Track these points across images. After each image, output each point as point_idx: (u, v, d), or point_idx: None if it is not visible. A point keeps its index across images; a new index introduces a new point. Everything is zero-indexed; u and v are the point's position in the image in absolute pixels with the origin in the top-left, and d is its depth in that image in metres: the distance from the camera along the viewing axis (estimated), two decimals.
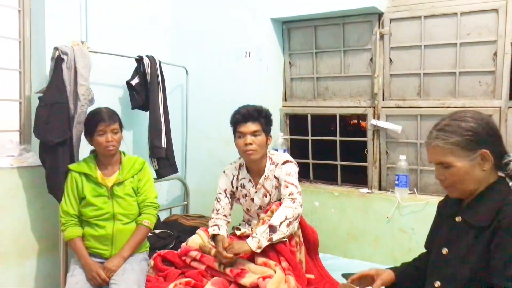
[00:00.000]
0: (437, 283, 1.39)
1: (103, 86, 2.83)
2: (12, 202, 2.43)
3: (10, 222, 2.42)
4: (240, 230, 2.38)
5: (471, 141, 1.32)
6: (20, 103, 2.61)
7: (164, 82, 2.99)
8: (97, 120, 2.23)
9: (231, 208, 2.40)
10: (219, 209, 2.34)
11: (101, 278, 2.12)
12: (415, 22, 2.72)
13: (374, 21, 2.82)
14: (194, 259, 2.19)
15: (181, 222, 2.94)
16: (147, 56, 2.90)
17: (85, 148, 2.44)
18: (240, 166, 2.38)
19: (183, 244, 2.32)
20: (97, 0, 2.79)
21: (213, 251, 2.15)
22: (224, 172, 2.41)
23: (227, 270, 2.04)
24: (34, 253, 2.54)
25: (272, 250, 2.06)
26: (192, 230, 2.54)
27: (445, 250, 1.41)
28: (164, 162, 2.93)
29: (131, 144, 3.10)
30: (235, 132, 2.28)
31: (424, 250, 1.67)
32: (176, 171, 3.05)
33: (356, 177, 3.06)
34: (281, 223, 2.05)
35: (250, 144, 2.20)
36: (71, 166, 2.30)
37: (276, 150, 2.89)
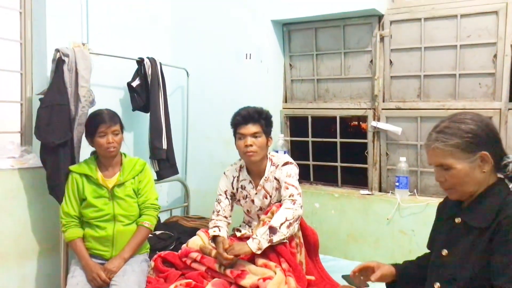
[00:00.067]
0: (437, 285, 1.40)
1: (104, 87, 2.84)
2: (13, 203, 2.43)
3: (11, 223, 2.42)
4: (240, 231, 2.38)
5: (470, 143, 1.32)
6: (21, 104, 2.62)
7: (164, 83, 3.00)
8: (98, 122, 2.24)
9: (231, 210, 2.40)
10: (219, 210, 2.35)
11: (102, 279, 2.12)
12: (415, 24, 2.73)
13: (374, 23, 2.83)
14: (194, 261, 2.19)
15: (181, 223, 2.95)
16: (147, 57, 2.91)
17: (86, 150, 2.44)
18: (241, 167, 2.39)
19: (184, 246, 2.32)
20: (98, 2, 2.80)
21: (214, 252, 2.16)
22: (224, 173, 2.42)
23: (228, 271, 2.04)
24: (34, 254, 2.54)
25: (272, 251, 2.06)
26: (192, 232, 2.55)
27: (444, 252, 1.41)
28: (165, 164, 2.94)
29: (132, 146, 3.10)
30: (235, 133, 2.28)
31: (426, 251, 1.66)
32: (176, 172, 3.06)
33: (357, 178, 3.07)
34: (282, 224, 2.05)
35: (251, 145, 2.21)
36: (72, 168, 2.30)
37: (277, 151, 2.90)
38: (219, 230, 2.23)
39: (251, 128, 2.22)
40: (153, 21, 3.28)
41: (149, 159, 2.90)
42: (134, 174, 2.33)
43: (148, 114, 2.92)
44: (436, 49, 2.69)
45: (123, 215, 2.26)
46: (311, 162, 3.16)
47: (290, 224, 2.07)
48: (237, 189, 2.38)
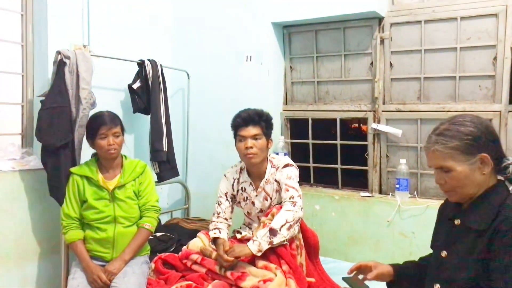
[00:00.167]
0: (437, 286, 1.40)
1: (105, 89, 2.84)
2: (14, 205, 2.43)
3: (12, 225, 2.43)
4: (240, 233, 2.39)
5: (470, 145, 1.32)
6: (22, 106, 2.63)
7: (165, 85, 3.00)
8: (99, 124, 2.24)
9: (231, 212, 2.40)
10: (219, 212, 2.35)
11: (102, 281, 2.12)
12: (416, 27, 2.73)
13: (375, 25, 2.83)
14: (195, 262, 2.19)
15: (182, 225, 2.95)
16: (148, 60, 2.92)
17: (86, 152, 2.45)
18: (241, 169, 2.39)
19: (184, 247, 2.32)
20: (99, 4, 2.81)
21: (214, 254, 2.16)
22: (224, 175, 2.42)
23: (228, 273, 2.04)
24: (35, 256, 2.54)
25: (272, 253, 2.06)
26: (193, 233, 2.55)
27: (444, 253, 1.41)
28: (165, 166, 2.94)
29: (133, 148, 3.11)
30: (235, 135, 2.29)
31: (426, 253, 1.66)
32: (177, 174, 3.06)
33: (357, 180, 3.07)
34: (282, 226, 2.05)
35: (251, 147, 2.21)
36: (72, 169, 2.30)
37: (277, 153, 2.90)
38: (220, 232, 2.23)
39: (252, 130, 2.22)
40: (154, 23, 3.29)
41: (150, 161, 2.90)
42: (135, 176, 2.33)
43: (149, 116, 2.93)
44: (436, 52, 2.69)
45: (124, 217, 2.27)
46: (311, 164, 3.17)
47: (291, 226, 2.07)
48: (237, 191, 2.38)
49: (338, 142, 3.05)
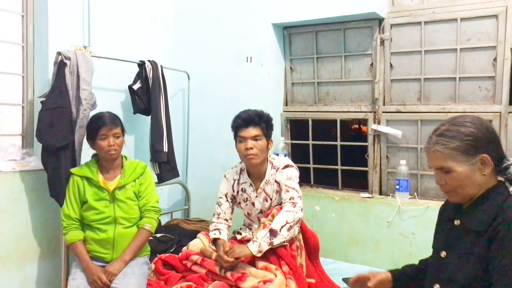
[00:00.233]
0: (436, 286, 1.40)
1: (105, 90, 2.85)
2: (14, 206, 2.44)
3: (12, 226, 2.43)
4: (241, 234, 2.39)
5: (471, 146, 1.33)
6: (23, 107, 2.63)
7: (165, 86, 3.01)
8: (99, 125, 2.24)
9: (232, 212, 2.40)
10: (220, 213, 2.35)
11: (102, 281, 2.12)
12: (416, 28, 2.74)
13: (375, 26, 2.84)
14: (195, 263, 2.19)
15: (182, 226, 2.95)
16: (149, 60, 2.92)
17: (87, 152, 2.45)
18: (241, 170, 2.39)
19: (184, 248, 2.32)
20: (99, 5, 2.81)
21: (214, 255, 2.16)
22: (225, 176, 2.42)
23: (228, 274, 2.04)
24: (35, 257, 2.54)
25: (272, 254, 2.06)
26: (193, 234, 2.55)
27: (443, 253, 1.42)
28: (166, 167, 2.94)
29: (133, 148, 3.11)
30: (236, 136, 2.29)
31: (426, 254, 1.66)
32: (177, 175, 3.06)
33: (357, 181, 3.07)
34: (282, 227, 2.05)
35: (251, 148, 2.21)
36: (73, 170, 2.31)
37: (277, 154, 2.90)
38: (220, 233, 2.23)
39: (252, 131, 2.22)
40: (154, 24, 3.30)
41: (150, 162, 2.90)
42: (135, 176, 2.34)
43: (149, 117, 2.93)
44: (436, 53, 2.70)
45: (124, 218, 2.27)
46: (311, 165, 3.17)
47: (291, 227, 2.07)
48: (237, 192, 2.38)
49: (338, 143, 3.05)
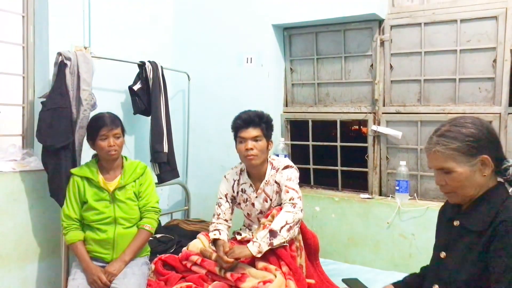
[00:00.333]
0: (435, 287, 1.40)
1: (106, 91, 2.85)
2: (14, 206, 2.44)
3: (12, 226, 2.43)
4: (240, 234, 2.39)
5: (471, 147, 1.33)
6: (23, 107, 2.64)
7: (166, 87, 3.01)
8: (100, 125, 2.25)
9: (231, 213, 2.41)
10: (220, 213, 2.35)
11: (102, 282, 2.13)
12: (416, 29, 2.74)
13: (375, 27, 2.84)
14: (194, 264, 2.19)
15: (182, 226, 2.95)
16: (149, 61, 2.92)
17: (87, 153, 2.45)
18: (241, 171, 2.39)
19: (184, 249, 2.32)
20: (100, 6, 2.82)
21: (214, 255, 2.16)
22: (225, 177, 2.42)
23: (228, 275, 2.04)
24: (35, 257, 2.55)
25: (272, 254, 2.06)
26: (193, 235, 2.55)
27: (443, 254, 1.42)
28: (166, 167, 2.95)
29: (133, 149, 3.11)
30: (236, 137, 2.29)
31: (425, 255, 1.67)
32: (177, 176, 3.06)
33: (357, 182, 3.08)
34: (282, 228, 2.05)
35: (251, 149, 2.21)
36: (73, 170, 2.31)
37: (277, 155, 2.91)
38: (220, 233, 2.23)
39: (252, 131, 2.22)
40: (154, 25, 3.30)
41: (150, 162, 2.90)
42: (135, 177, 2.34)
43: (149, 117, 2.93)
44: (436, 54, 2.70)
45: (124, 218, 2.27)
46: (311, 166, 3.17)
47: (291, 228, 2.07)
48: (237, 192, 2.39)
49: (338, 144, 3.05)
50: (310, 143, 3.16)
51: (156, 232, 2.56)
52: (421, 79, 2.75)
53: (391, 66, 2.84)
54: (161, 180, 2.94)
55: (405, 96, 2.83)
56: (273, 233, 2.04)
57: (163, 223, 3.03)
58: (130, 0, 3.07)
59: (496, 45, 2.52)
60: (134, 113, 2.93)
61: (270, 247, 2.04)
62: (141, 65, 2.91)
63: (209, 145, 3.33)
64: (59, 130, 2.36)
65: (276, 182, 2.29)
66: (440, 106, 2.71)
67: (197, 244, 2.29)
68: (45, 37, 2.57)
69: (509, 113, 2.52)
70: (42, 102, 2.40)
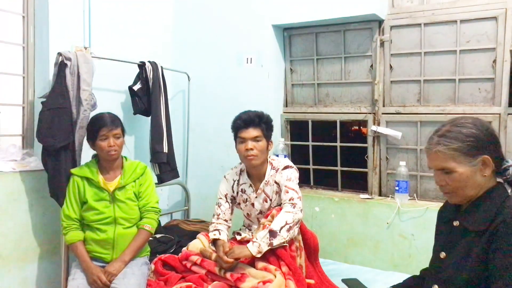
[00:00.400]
0: (435, 287, 1.40)
1: (106, 91, 2.85)
2: (14, 206, 2.44)
3: (12, 226, 2.43)
4: (240, 235, 2.39)
5: (472, 147, 1.33)
6: (23, 107, 2.64)
7: (166, 87, 3.01)
8: (100, 125, 2.25)
9: (231, 213, 2.41)
10: (219, 214, 2.35)
11: (102, 282, 2.13)
12: (415, 29, 2.74)
13: (375, 28, 2.84)
14: (194, 264, 2.19)
15: (181, 227, 2.95)
16: (149, 61, 2.92)
17: (87, 153, 2.46)
18: (241, 171, 2.39)
19: (184, 249, 2.33)
20: (100, 6, 2.82)
21: (214, 255, 2.16)
22: (224, 177, 2.43)
23: (228, 275, 2.04)
24: (35, 257, 2.55)
25: (272, 254, 2.06)
26: (192, 235, 2.55)
27: (443, 254, 1.42)
28: (165, 167, 2.95)
29: (133, 149, 3.11)
30: (236, 137, 2.29)
31: (425, 255, 1.67)
32: (177, 176, 3.06)
33: (357, 182, 3.08)
34: (282, 228, 2.05)
35: (251, 149, 2.21)
36: (73, 171, 2.31)
37: (277, 155, 2.91)
38: (219, 234, 2.24)
39: (252, 132, 2.23)
40: (154, 26, 3.30)
41: (150, 162, 2.90)
42: (135, 177, 2.34)
43: (149, 118, 2.93)
44: (436, 54, 2.70)
45: (124, 218, 2.27)
46: (311, 166, 3.17)
47: (290, 228, 2.07)
48: (237, 192, 2.39)
49: (338, 144, 3.06)
50: (310, 143, 3.16)
51: (156, 232, 2.56)
52: (421, 79, 2.76)
53: (391, 67, 2.84)
54: (161, 180, 2.94)
55: (404, 97, 2.84)
56: (272, 233, 2.04)
57: (163, 223, 3.03)
58: (130, 0, 3.07)
59: (495, 45, 2.52)
60: (134, 113, 2.94)
61: (270, 247, 2.04)
62: (141, 65, 2.91)
63: (209, 145, 3.34)
64: (59, 130, 2.36)
65: (276, 182, 2.29)
66: (440, 107, 2.71)
67: (197, 244, 2.30)
68: (45, 37, 2.57)
69: (508, 114, 2.52)
70: (42, 102, 2.41)
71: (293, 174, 2.28)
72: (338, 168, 3.07)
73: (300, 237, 2.22)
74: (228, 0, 3.24)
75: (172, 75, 3.33)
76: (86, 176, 2.27)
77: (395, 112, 2.84)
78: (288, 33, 3.17)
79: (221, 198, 2.38)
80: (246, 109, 2.33)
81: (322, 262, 2.41)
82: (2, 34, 2.53)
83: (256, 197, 2.33)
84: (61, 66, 2.41)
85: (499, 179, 1.39)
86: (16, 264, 2.45)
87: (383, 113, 2.87)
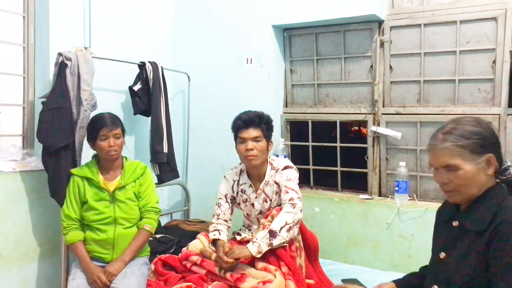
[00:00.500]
0: (435, 287, 1.41)
1: (106, 91, 2.85)
2: (15, 206, 2.44)
3: (12, 226, 2.43)
4: (240, 235, 2.39)
5: (478, 145, 1.33)
6: (24, 107, 2.64)
7: (166, 87, 3.01)
8: (100, 125, 2.25)
9: (231, 213, 2.41)
10: (219, 214, 2.36)
11: (102, 282, 2.13)
12: (415, 30, 2.75)
13: (375, 28, 2.85)
14: (194, 264, 2.19)
15: (181, 227, 2.96)
16: (149, 62, 2.93)
17: (87, 153, 2.46)
18: (241, 171, 2.40)
19: (184, 249, 2.33)
20: (100, 6, 2.82)
21: (214, 255, 2.16)
22: (224, 177, 2.43)
23: (227, 275, 2.05)
24: (35, 257, 2.55)
25: (272, 255, 2.06)
26: (192, 235, 2.55)
27: (442, 255, 1.42)
28: (166, 167, 2.95)
29: (133, 149, 3.12)
30: (236, 137, 2.29)
31: (425, 255, 1.67)
32: (177, 176, 3.06)
33: (356, 183, 3.08)
34: (281, 228, 2.06)
35: (251, 149, 2.22)
36: (73, 171, 2.31)
37: (277, 155, 2.91)
38: (219, 234, 2.24)
39: (252, 132, 2.23)
40: (154, 26, 3.31)
41: (150, 162, 2.91)
42: (135, 177, 2.34)
43: (149, 118, 2.94)
44: (436, 55, 2.70)
45: (124, 218, 2.27)
46: (311, 167, 3.17)
47: (290, 228, 2.07)
48: (237, 192, 2.39)
49: (338, 144, 3.06)
50: (310, 143, 3.16)
51: (156, 232, 2.56)
52: (420, 80, 2.76)
53: (390, 67, 2.84)
54: (161, 180, 2.94)
55: (404, 97, 2.84)
56: (272, 234, 2.04)
57: (163, 224, 3.03)
58: (130, 0, 3.07)
59: (495, 46, 2.53)
60: (134, 114, 2.94)
61: (269, 247, 2.04)
62: (142, 66, 2.91)
63: (209, 145, 3.34)
64: (60, 130, 2.36)
65: (275, 182, 2.29)
66: (440, 107, 2.71)
67: (197, 245, 2.30)
68: (46, 38, 2.57)
69: (508, 114, 2.52)
70: (42, 102, 2.41)
71: (293, 174, 2.28)
72: (338, 168, 3.07)
73: (300, 237, 2.22)
74: (228, 0, 3.24)
75: (172, 75, 3.34)
76: (86, 176, 2.27)
77: (395, 113, 2.85)
78: (288, 34, 3.18)
79: (221, 198, 2.39)
80: (246, 110, 2.33)
81: (322, 262, 2.41)
82: (2, 34, 2.53)
83: (256, 197, 2.34)
84: (61, 66, 2.41)
85: (497, 180, 1.39)
86: (16, 264, 2.45)
87: (383, 114, 2.87)
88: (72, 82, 2.43)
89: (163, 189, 3.30)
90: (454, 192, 1.38)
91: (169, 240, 2.67)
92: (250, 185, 2.35)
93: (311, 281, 2.16)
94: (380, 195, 2.94)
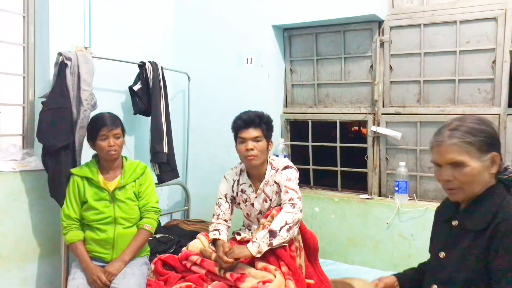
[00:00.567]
0: (434, 287, 1.40)
1: (106, 91, 2.85)
2: (14, 206, 2.44)
3: (12, 226, 2.43)
4: (240, 235, 2.39)
5: (484, 142, 1.32)
6: (24, 107, 2.64)
7: (166, 87, 3.01)
8: (100, 125, 2.25)
9: (231, 213, 2.41)
10: (219, 214, 2.36)
11: (102, 281, 2.13)
12: (415, 30, 2.75)
13: (375, 28, 2.85)
14: (194, 264, 2.19)
15: (181, 227, 2.96)
16: (149, 62, 2.93)
17: (87, 153, 2.46)
18: (241, 171, 2.40)
19: (184, 249, 2.33)
20: (100, 6, 2.82)
21: (214, 255, 2.16)
22: (224, 177, 2.43)
23: (227, 275, 2.05)
24: (35, 257, 2.55)
25: (272, 255, 2.06)
26: (192, 235, 2.55)
27: (442, 254, 1.42)
28: (165, 167, 2.95)
29: (133, 149, 3.12)
30: (236, 137, 2.29)
31: (425, 255, 1.67)
32: (177, 176, 3.07)
33: (356, 183, 3.08)
34: (281, 228, 2.06)
35: (251, 149, 2.22)
36: (73, 170, 2.31)
37: (277, 155, 2.91)
38: (219, 234, 2.24)
39: (252, 132, 2.23)
40: (154, 26, 3.31)
41: (150, 162, 2.91)
42: (135, 177, 2.34)
43: (149, 118, 2.94)
44: (436, 55, 2.71)
45: (124, 218, 2.27)
46: (311, 167, 3.17)
47: (290, 228, 2.08)
48: (237, 192, 2.39)
49: (338, 144, 3.06)
50: (310, 143, 3.16)
51: (156, 232, 2.56)
52: (420, 80, 2.76)
53: (390, 67, 2.84)
54: (161, 180, 2.94)
55: (404, 97, 2.84)
56: (272, 233, 2.04)
57: (163, 223, 3.03)
58: (130, 0, 3.07)
59: (495, 46, 2.53)
60: (134, 114, 2.94)
61: (269, 247, 2.04)
62: (142, 66, 2.91)
63: (209, 145, 3.34)
64: (60, 130, 2.37)
65: (275, 182, 2.30)
66: (440, 107, 2.71)
67: (197, 244, 2.30)
68: (46, 37, 2.57)
69: (508, 114, 2.52)
70: (42, 102, 2.41)
71: (293, 174, 2.28)
72: (338, 168, 3.07)
73: (300, 237, 2.22)
74: (228, 0, 3.24)
75: (172, 75, 3.34)
76: (86, 176, 2.27)
77: (395, 113, 2.85)
78: (288, 34, 3.18)
79: (221, 198, 2.39)
80: (246, 109, 2.33)
81: (321, 262, 2.41)
82: (2, 34, 2.53)
83: (256, 197, 2.34)
84: (61, 66, 2.41)
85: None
86: (16, 264, 2.45)
87: (383, 114, 2.88)
88: (72, 82, 2.43)
89: (163, 189, 3.30)
90: (457, 190, 1.37)
91: (169, 240, 2.68)
92: (250, 185, 2.35)
93: (311, 281, 2.16)
94: (380, 195, 2.94)
